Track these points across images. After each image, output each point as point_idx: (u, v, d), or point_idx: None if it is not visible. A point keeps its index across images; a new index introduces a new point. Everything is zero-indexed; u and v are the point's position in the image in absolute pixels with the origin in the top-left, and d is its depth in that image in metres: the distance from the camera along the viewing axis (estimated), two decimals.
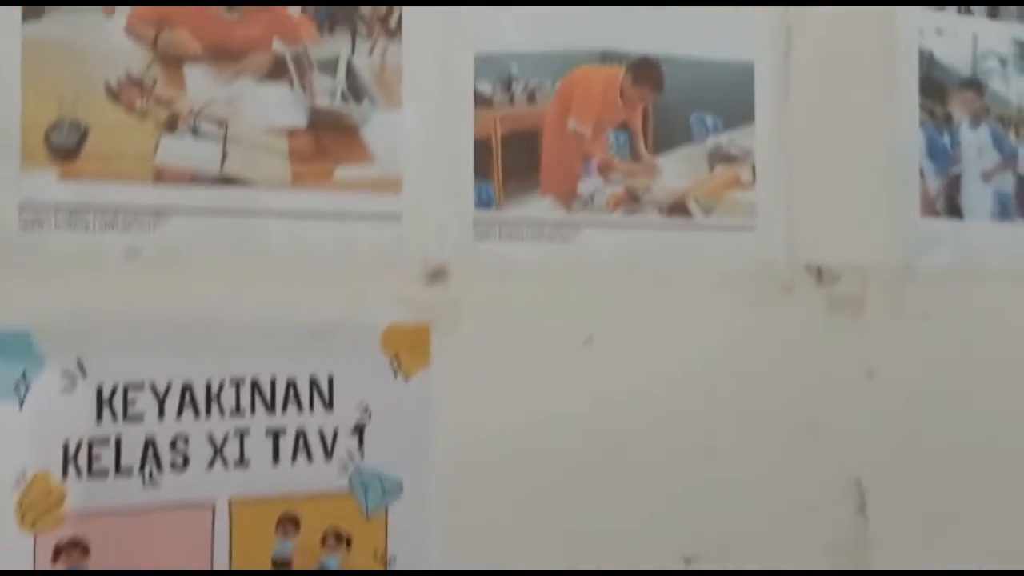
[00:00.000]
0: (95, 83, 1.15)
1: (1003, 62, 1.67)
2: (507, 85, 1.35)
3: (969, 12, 1.65)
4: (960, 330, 1.59)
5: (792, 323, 1.51)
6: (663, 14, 1.43)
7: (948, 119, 1.63)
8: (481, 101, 1.33)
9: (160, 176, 1.17)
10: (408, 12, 1.28)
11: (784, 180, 1.50)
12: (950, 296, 1.59)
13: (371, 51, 1.28)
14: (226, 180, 1.20)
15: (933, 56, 1.61)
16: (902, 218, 1.58)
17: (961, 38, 1.64)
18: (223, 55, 1.21)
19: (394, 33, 1.28)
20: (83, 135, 1.14)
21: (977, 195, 1.64)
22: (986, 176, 1.65)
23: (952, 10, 1.63)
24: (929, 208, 1.60)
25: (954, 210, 1.63)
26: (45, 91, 1.13)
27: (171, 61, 1.18)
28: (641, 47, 1.42)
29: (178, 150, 1.18)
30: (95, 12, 1.15)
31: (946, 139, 1.62)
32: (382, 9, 1.28)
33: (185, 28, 1.19)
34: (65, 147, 1.13)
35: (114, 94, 1.15)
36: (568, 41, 1.38)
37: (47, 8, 1.13)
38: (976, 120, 1.65)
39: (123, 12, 1.16)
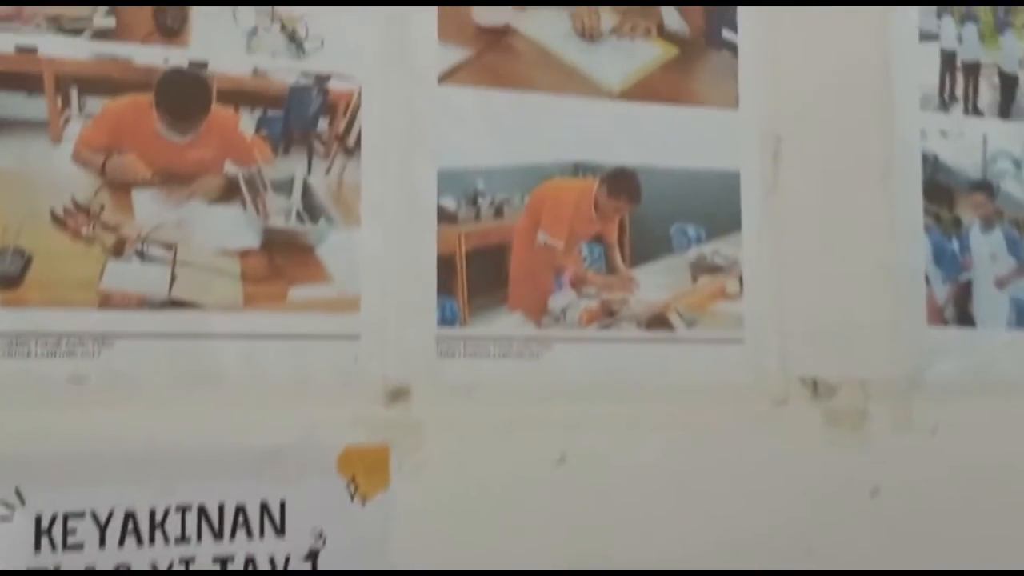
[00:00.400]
0: (40, 211, 1.16)
1: (1016, 163, 1.60)
2: (472, 200, 1.33)
3: (979, 113, 1.59)
4: (972, 445, 1.50)
5: (787, 438, 1.44)
6: (639, 125, 1.40)
7: (956, 223, 1.56)
8: (445, 217, 1.31)
9: (106, 301, 1.17)
10: (367, 129, 1.28)
11: (774, 290, 1.44)
12: (961, 409, 1.51)
13: (328, 170, 1.27)
14: (175, 303, 1.19)
15: (938, 159, 1.55)
16: (907, 327, 1.51)
17: (969, 139, 1.58)
18: (173, 179, 1.21)
19: (352, 151, 1.28)
20: (27, 262, 1.14)
21: (991, 303, 1.56)
22: (1000, 283, 1.57)
23: (959, 111, 1.58)
24: (937, 317, 1.53)
25: (965, 319, 1.55)
26: None
27: (119, 186, 1.19)
28: (616, 158, 1.39)
29: (124, 275, 1.18)
30: (41, 140, 1.16)
31: (955, 244, 1.56)
32: (339, 127, 1.27)
33: (134, 153, 1.20)
34: (8, 275, 1.13)
35: (60, 221, 1.16)
36: (538, 154, 1.36)
37: None
38: (988, 224, 1.58)
39: (70, 140, 1.17)
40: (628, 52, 1.42)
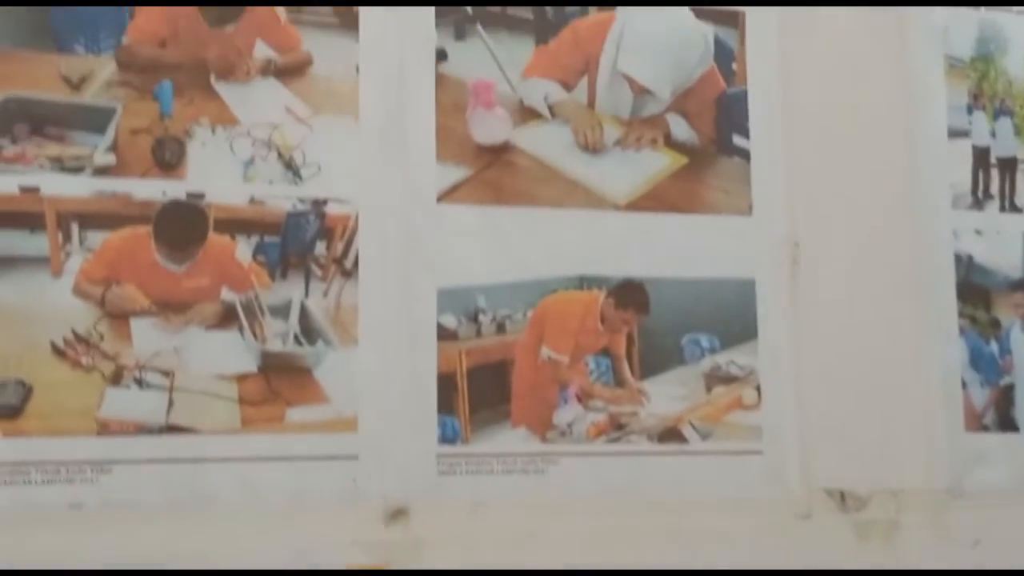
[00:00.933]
0: (41, 343, 1.20)
1: None
2: (474, 317, 1.34)
3: (1017, 210, 1.53)
4: (1018, 557, 1.43)
5: (813, 553, 1.39)
6: (647, 235, 1.39)
7: (995, 324, 1.50)
8: (445, 334, 1.32)
9: (104, 429, 1.20)
10: (365, 250, 1.30)
11: (793, 400, 1.41)
12: (1005, 519, 1.44)
13: (326, 292, 1.29)
14: (172, 429, 1.22)
15: (972, 258, 1.50)
16: (942, 435, 1.45)
17: (1006, 237, 1.52)
18: (170, 307, 1.25)
19: (350, 273, 1.30)
20: (27, 393, 1.19)
21: None
22: None
23: (994, 208, 1.52)
24: (976, 422, 1.47)
25: (1007, 423, 1.48)
26: None
27: (118, 316, 1.23)
28: (624, 270, 1.38)
29: (122, 403, 1.21)
30: (43, 274, 1.22)
31: (993, 346, 1.49)
32: (337, 250, 1.30)
33: (132, 283, 1.24)
34: (9, 405, 1.18)
35: (60, 352, 1.20)
36: (541, 269, 1.36)
37: None
38: None
39: (70, 274, 1.22)
40: (634, 163, 1.41)
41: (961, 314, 1.48)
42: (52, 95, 1.25)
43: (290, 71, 1.32)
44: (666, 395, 1.38)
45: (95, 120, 1.25)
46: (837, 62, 1.48)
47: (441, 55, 1.35)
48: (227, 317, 1.26)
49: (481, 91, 1.36)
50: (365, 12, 1.33)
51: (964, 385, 1.46)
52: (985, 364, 1.49)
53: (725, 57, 1.46)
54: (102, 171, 1.24)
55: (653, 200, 1.40)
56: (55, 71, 1.25)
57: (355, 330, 1.29)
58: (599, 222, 1.38)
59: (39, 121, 1.24)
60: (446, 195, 1.34)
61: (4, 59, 1.24)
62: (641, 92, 1.42)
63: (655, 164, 1.42)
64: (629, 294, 1.38)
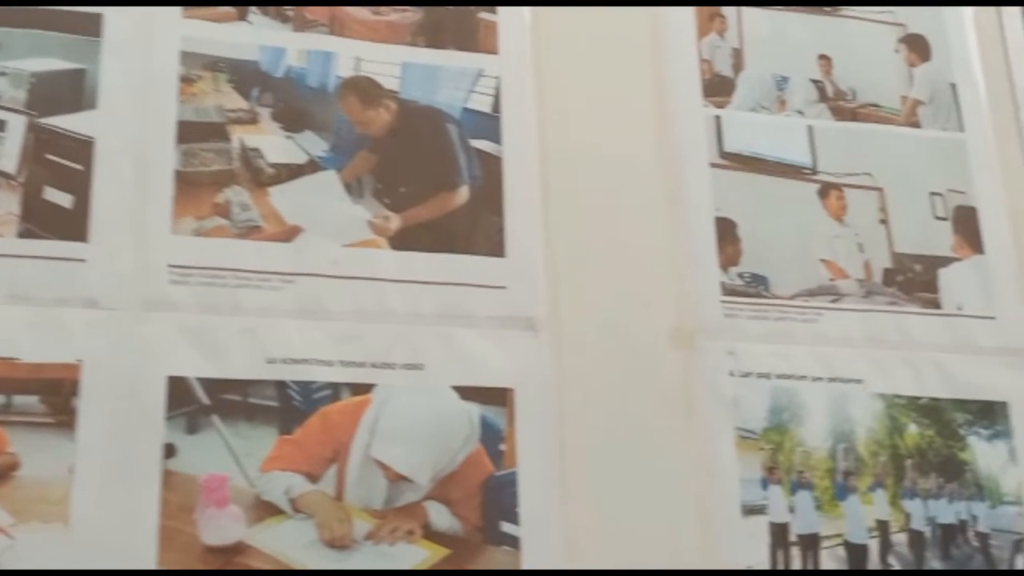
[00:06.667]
0: None
1: None
2: None
3: None
4: None
5: None
6: None
7: None
8: None
9: None
10: None
11: None
12: None
13: None
14: None
15: None
16: None
17: None
18: None
19: None
20: None
21: None
22: None
23: None
24: None
25: None
26: None
27: None
28: None
29: None
30: None
31: None
32: None
33: None
34: None
35: None
36: None
37: None
38: None
39: None
40: (388, 559, 1.30)
41: None
42: None
43: None
44: None
45: None
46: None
47: (169, 451, 1.27)
48: None
49: (213, 488, 1.28)
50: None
51: None
52: None
53: (492, 437, 1.38)
54: None
55: None
56: None
57: None
58: None
59: None
60: None
61: None
62: (397, 480, 1.34)
63: (412, 558, 1.32)
64: None
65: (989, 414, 1.54)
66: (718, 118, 1.59)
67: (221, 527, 1.27)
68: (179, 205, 1.35)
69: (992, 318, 1.59)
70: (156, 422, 1.28)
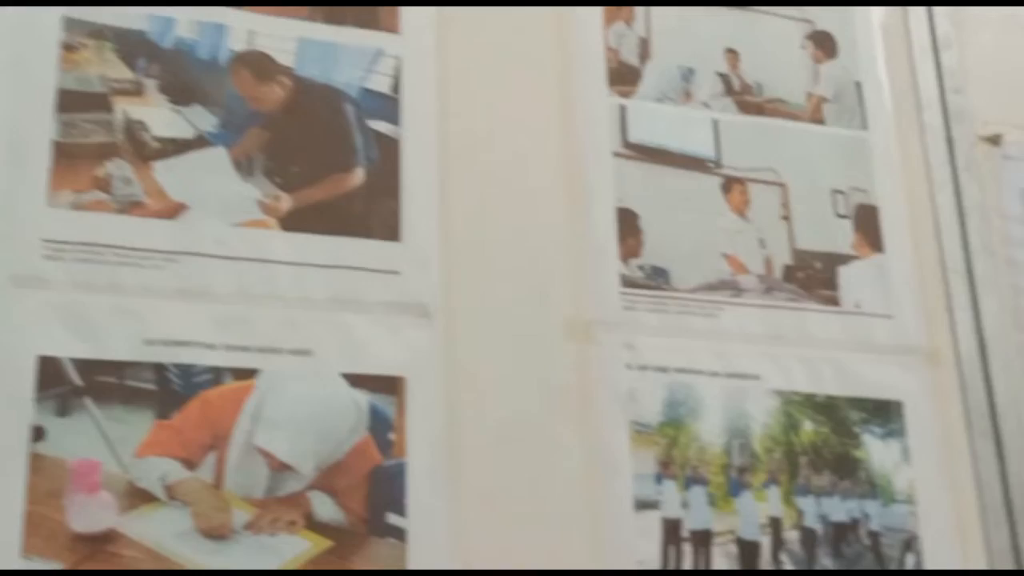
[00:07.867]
0: None
1: None
2: None
3: None
4: None
5: None
6: None
7: None
8: None
9: None
10: None
11: None
12: None
13: None
14: None
15: None
16: None
17: None
18: None
19: None
20: None
21: None
22: None
23: None
24: None
25: None
26: None
27: None
28: None
29: None
30: None
31: None
32: None
33: None
34: None
35: None
36: None
37: None
38: None
39: None
40: (268, 550, 1.26)
41: None
42: None
43: None
44: None
45: None
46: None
47: (38, 434, 1.22)
48: None
49: (83, 473, 1.22)
50: None
51: None
52: None
53: (381, 426, 1.34)
54: None
55: None
56: None
57: None
58: None
59: None
60: None
61: None
62: (279, 468, 1.29)
63: (293, 549, 1.27)
64: None
65: (884, 413, 1.54)
66: (623, 107, 1.57)
67: (91, 514, 1.21)
68: (56, 177, 1.29)
69: (890, 317, 1.59)
70: (25, 403, 1.22)
